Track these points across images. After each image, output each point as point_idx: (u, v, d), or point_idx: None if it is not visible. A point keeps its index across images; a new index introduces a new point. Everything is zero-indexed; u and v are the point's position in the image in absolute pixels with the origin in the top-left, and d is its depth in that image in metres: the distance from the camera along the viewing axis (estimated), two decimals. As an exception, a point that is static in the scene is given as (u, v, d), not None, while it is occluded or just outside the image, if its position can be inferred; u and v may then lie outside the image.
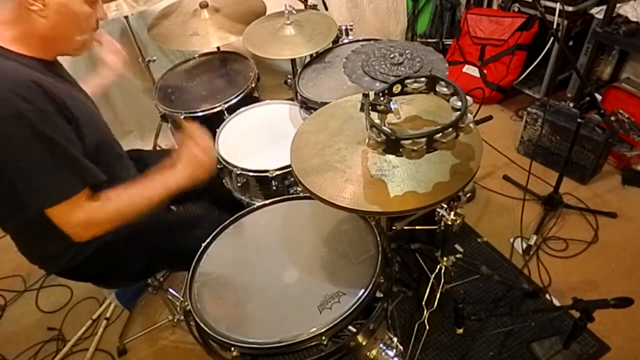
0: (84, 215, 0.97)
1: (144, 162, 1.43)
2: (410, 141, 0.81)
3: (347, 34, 1.86)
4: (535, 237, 1.88)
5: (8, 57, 0.95)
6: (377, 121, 0.89)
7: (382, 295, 1.03)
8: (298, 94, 1.65)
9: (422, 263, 1.69)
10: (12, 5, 0.94)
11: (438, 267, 1.44)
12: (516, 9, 2.69)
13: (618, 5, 2.14)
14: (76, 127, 0.99)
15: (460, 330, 1.55)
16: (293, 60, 1.86)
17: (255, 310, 1.00)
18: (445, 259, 1.44)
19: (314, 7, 1.99)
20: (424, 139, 0.81)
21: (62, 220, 0.96)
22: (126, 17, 1.96)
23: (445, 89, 0.92)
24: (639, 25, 2.10)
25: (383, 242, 1.07)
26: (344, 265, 1.06)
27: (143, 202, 1.05)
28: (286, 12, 1.69)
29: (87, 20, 1.04)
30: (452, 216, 1.27)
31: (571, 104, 2.19)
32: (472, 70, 2.78)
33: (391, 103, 0.89)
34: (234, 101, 1.76)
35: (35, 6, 0.94)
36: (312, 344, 0.92)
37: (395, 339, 1.06)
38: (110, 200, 1.02)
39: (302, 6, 1.93)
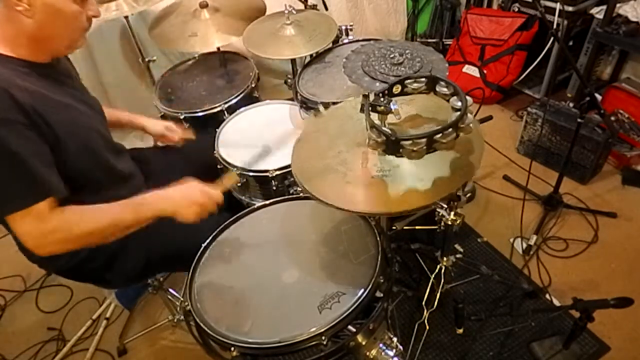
0: (40, 228, 0.94)
1: (145, 161, 1.44)
2: (410, 142, 0.81)
3: (347, 34, 1.86)
4: (535, 237, 1.88)
5: None
6: (377, 122, 0.89)
7: (382, 295, 1.03)
8: (298, 94, 1.65)
9: (422, 263, 1.69)
10: None
11: (438, 267, 1.44)
12: (516, 9, 2.69)
13: (618, 5, 2.14)
14: (50, 132, 0.98)
15: (460, 330, 1.55)
16: (293, 60, 1.86)
17: (255, 310, 1.00)
18: (445, 259, 1.44)
19: (314, 7, 1.99)
20: (424, 140, 0.81)
21: (17, 230, 0.94)
22: (126, 17, 1.96)
23: (445, 89, 0.92)
24: (639, 25, 2.10)
25: (383, 242, 1.07)
26: (343, 265, 1.06)
27: (108, 223, 1.01)
28: (286, 12, 1.69)
29: (77, 19, 1.03)
30: (452, 216, 1.27)
31: (571, 104, 2.19)
32: (472, 70, 2.78)
33: (391, 103, 0.89)
34: (234, 101, 1.76)
35: (20, 6, 0.93)
36: (312, 343, 0.92)
37: (395, 339, 1.05)
38: (73, 215, 0.98)
39: (302, 6, 1.93)
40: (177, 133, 1.53)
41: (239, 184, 1.51)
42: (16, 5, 0.93)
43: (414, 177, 0.90)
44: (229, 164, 1.51)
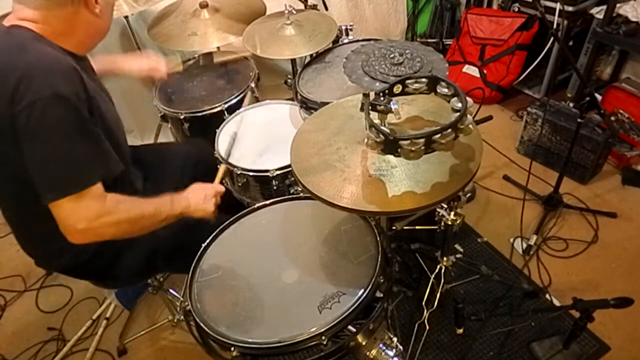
0: (97, 208, 0.95)
1: (144, 160, 1.44)
2: (408, 141, 0.81)
3: (347, 34, 1.86)
4: (535, 237, 1.88)
5: (52, 46, 0.97)
6: (376, 121, 0.89)
7: (382, 295, 1.03)
8: (298, 94, 1.65)
9: (422, 263, 1.69)
10: (70, 6, 0.97)
11: (438, 267, 1.44)
12: (516, 9, 2.69)
13: (618, 5, 2.14)
14: (102, 123, 1.01)
15: (460, 330, 1.55)
16: (293, 60, 1.87)
17: (255, 310, 1.00)
18: (445, 259, 1.44)
19: (314, 7, 1.99)
20: (422, 140, 0.81)
21: (71, 211, 0.93)
22: (126, 17, 1.96)
23: (445, 90, 0.92)
24: (639, 25, 2.10)
25: (383, 242, 1.07)
26: (343, 265, 1.06)
27: (151, 213, 1.05)
28: (286, 12, 1.69)
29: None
30: (452, 216, 1.27)
31: (571, 104, 2.19)
32: (472, 70, 2.78)
33: (391, 103, 0.89)
34: (234, 101, 1.76)
35: (97, 8, 1.01)
36: (312, 343, 0.92)
37: (395, 339, 1.06)
38: (124, 200, 1.01)
39: (302, 6, 1.94)
40: (161, 70, 1.56)
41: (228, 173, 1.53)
42: (94, 7, 1.00)
43: (411, 180, 0.90)
44: (229, 164, 1.51)
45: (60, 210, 0.93)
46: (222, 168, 1.42)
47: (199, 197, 1.17)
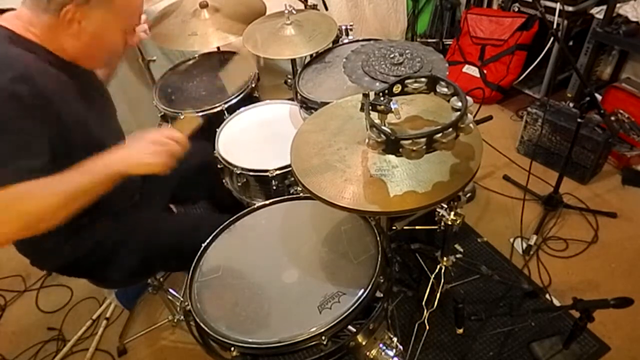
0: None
1: None
2: (409, 141, 0.81)
3: (347, 34, 1.86)
4: (535, 237, 1.88)
5: (17, 43, 0.95)
6: (377, 121, 0.89)
7: (382, 295, 1.03)
8: (298, 94, 1.65)
9: (422, 263, 1.69)
10: (51, 16, 0.95)
11: (438, 267, 1.44)
12: (516, 9, 2.69)
13: (618, 5, 2.14)
14: (59, 126, 0.95)
15: (460, 330, 1.55)
16: (293, 60, 1.86)
17: (255, 310, 1.00)
18: (445, 259, 1.44)
19: (314, 7, 1.99)
20: (423, 139, 0.81)
21: None
22: (126, 17, 1.96)
23: (445, 89, 0.92)
24: (639, 25, 2.10)
25: (383, 242, 1.07)
26: (343, 265, 1.06)
27: (73, 192, 0.90)
28: (286, 12, 1.69)
29: (117, 46, 1.07)
30: (452, 216, 1.27)
31: (571, 104, 2.19)
32: (472, 70, 2.78)
33: (391, 103, 0.89)
34: (234, 101, 1.76)
35: (72, 29, 0.96)
36: (312, 343, 0.92)
37: (395, 339, 1.05)
38: (32, 187, 0.86)
39: (302, 6, 1.93)
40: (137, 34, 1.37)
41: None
42: (67, 27, 0.96)
43: (412, 179, 0.90)
44: (229, 163, 1.52)
45: None
46: (189, 118, 1.16)
47: (140, 148, 0.98)
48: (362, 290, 0.97)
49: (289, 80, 1.85)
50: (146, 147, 0.98)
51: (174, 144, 1.01)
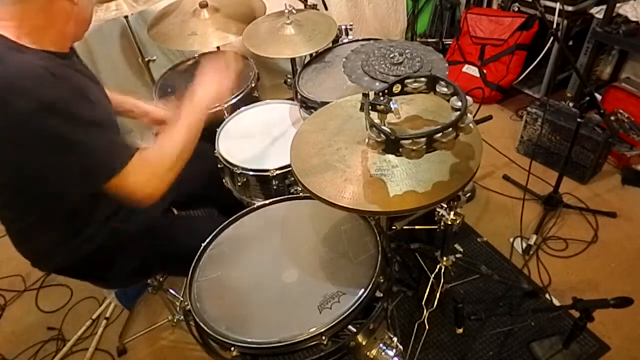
0: (149, 168, 1.00)
1: None
2: (410, 141, 0.81)
3: (347, 34, 1.86)
4: (535, 237, 1.88)
5: (23, 51, 0.94)
6: (377, 121, 0.89)
7: (382, 295, 1.03)
8: (298, 94, 1.65)
9: (422, 263, 1.69)
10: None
11: (438, 267, 1.44)
12: (516, 9, 2.69)
13: (618, 5, 2.14)
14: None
15: (460, 330, 1.55)
16: (293, 60, 1.86)
17: (255, 310, 1.00)
18: (445, 259, 1.44)
19: (314, 7, 1.99)
20: (423, 139, 0.81)
21: (132, 183, 0.97)
22: (126, 17, 1.96)
23: (445, 89, 0.92)
24: (639, 25, 2.10)
25: (383, 242, 1.07)
26: (344, 265, 1.06)
27: (188, 138, 1.09)
28: (286, 12, 1.69)
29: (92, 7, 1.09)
30: (452, 216, 1.27)
31: (571, 104, 2.19)
32: (472, 70, 2.78)
33: (391, 103, 0.89)
34: (234, 101, 1.76)
35: (67, 10, 0.98)
36: (312, 344, 0.92)
37: (395, 339, 1.05)
38: (160, 146, 1.06)
39: (302, 6, 1.93)
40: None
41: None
42: (63, 13, 0.97)
43: (412, 179, 0.90)
44: (229, 163, 1.52)
45: (121, 186, 0.97)
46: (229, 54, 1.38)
47: (214, 83, 1.19)
48: (363, 290, 0.97)
49: (289, 80, 1.85)
50: (220, 84, 1.20)
51: (231, 74, 1.23)
